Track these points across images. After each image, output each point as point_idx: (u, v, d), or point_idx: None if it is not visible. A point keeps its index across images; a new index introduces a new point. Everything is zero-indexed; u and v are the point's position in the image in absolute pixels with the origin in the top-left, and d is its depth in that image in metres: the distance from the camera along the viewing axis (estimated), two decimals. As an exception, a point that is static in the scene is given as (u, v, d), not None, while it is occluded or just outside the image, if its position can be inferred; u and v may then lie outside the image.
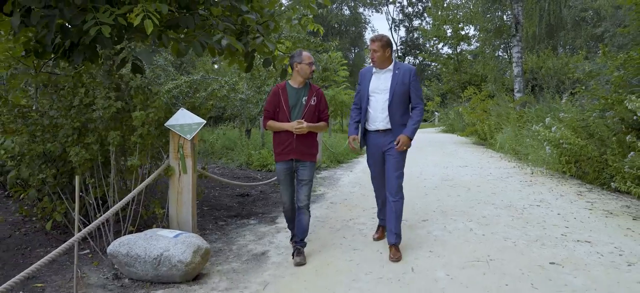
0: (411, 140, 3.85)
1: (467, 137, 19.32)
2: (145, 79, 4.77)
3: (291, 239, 4.17)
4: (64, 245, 3.13)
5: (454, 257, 3.80)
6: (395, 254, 3.81)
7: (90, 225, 3.27)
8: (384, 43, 3.87)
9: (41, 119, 4.00)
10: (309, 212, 3.90)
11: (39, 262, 2.96)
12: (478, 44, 26.10)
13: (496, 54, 24.41)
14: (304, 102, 3.80)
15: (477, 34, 25.25)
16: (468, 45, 32.06)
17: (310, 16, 6.11)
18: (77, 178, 3.17)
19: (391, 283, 3.25)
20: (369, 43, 3.99)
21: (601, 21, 22.54)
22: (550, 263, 3.62)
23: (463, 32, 30.35)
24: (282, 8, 5.82)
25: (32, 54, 5.30)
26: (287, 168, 3.84)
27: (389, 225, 3.90)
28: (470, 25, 26.85)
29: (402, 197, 3.90)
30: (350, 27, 54.08)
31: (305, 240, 3.96)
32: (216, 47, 4.77)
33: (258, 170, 9.42)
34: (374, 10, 58.68)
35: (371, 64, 4.07)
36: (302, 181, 3.82)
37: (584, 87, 8.85)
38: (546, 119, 8.01)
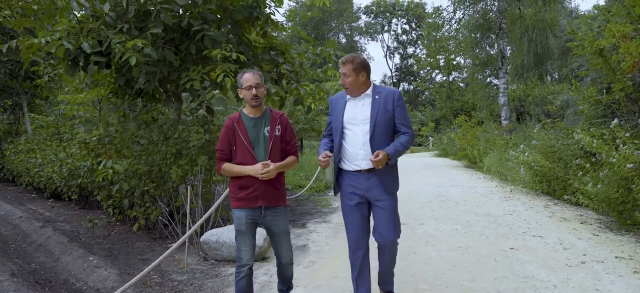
0: (390, 159, 3.10)
1: (458, 160, 20.93)
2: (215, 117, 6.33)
3: None
4: (182, 238, 4.58)
5: (443, 245, 5.35)
6: None
7: (197, 224, 4.79)
8: (357, 65, 3.19)
9: (146, 146, 5.55)
10: (293, 262, 3.43)
11: (167, 252, 4.30)
12: (467, 74, 27.79)
13: (487, 81, 26.10)
14: (266, 134, 3.16)
15: (469, 64, 27.04)
16: (459, 74, 34.06)
17: (330, 65, 7.76)
18: (188, 189, 4.71)
19: (401, 260, 4.73)
20: (339, 66, 3.28)
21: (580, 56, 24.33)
22: (510, 248, 5.17)
23: (455, 62, 32.38)
24: (309, 61, 7.42)
25: (114, 95, 6.95)
26: (252, 216, 3.16)
27: (382, 270, 3.47)
28: (461, 57, 28.66)
29: (396, 246, 3.37)
30: (339, 52, 56.29)
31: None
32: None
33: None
34: (369, 39, 61.10)
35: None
36: (280, 234, 3.24)
37: (550, 120, 10.46)
38: (520, 145, 9.62)
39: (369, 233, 3.38)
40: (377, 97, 3.25)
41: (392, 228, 3.24)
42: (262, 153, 3.14)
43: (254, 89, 3.13)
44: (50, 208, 8.32)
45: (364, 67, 3.23)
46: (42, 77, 11.30)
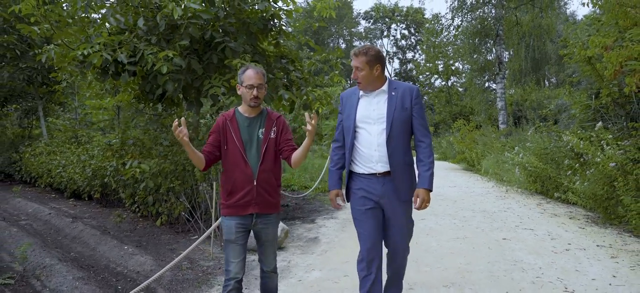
0: (431, 191, 2.93)
1: (457, 163, 21.50)
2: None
3: None
4: (207, 231, 5.10)
5: (442, 236, 5.90)
6: None
7: (221, 218, 5.31)
8: (371, 58, 2.91)
9: (170, 147, 6.09)
10: (277, 272, 3.18)
11: (195, 243, 4.72)
12: (466, 79, 28.32)
13: (485, 86, 26.67)
14: (261, 136, 2.96)
15: (467, 69, 27.62)
16: (458, 79, 34.68)
17: (337, 72, 8.33)
18: (213, 186, 5.25)
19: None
20: (351, 58, 3.00)
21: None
22: (503, 239, 5.72)
23: (453, 67, 33.00)
24: (316, 68, 7.97)
25: (136, 100, 7.48)
26: (243, 224, 2.95)
27: (391, 275, 3.21)
28: (460, 62, 29.23)
29: (407, 251, 3.17)
30: (345, 59, 57.00)
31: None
32: (274, 96, 6.91)
33: (283, 189, 11.48)
34: (369, 44, 61.86)
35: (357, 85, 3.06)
36: (268, 241, 3.03)
37: (543, 124, 11.02)
38: (515, 148, 10.17)
39: (382, 240, 3.10)
40: (393, 93, 2.97)
41: (404, 236, 3.06)
42: (254, 156, 2.92)
43: (255, 89, 2.91)
44: (72, 207, 8.84)
45: (379, 60, 2.95)
46: (60, 83, 11.88)
